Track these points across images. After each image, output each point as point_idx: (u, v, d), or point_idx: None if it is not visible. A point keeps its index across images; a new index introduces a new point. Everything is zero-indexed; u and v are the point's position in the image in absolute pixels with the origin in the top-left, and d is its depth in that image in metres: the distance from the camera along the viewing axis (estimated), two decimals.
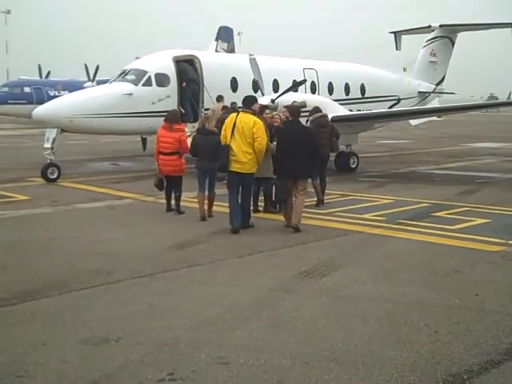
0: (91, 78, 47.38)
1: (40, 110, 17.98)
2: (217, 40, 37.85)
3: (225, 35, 39.53)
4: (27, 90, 48.48)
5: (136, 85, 19.17)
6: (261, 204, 13.17)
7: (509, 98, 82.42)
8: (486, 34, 32.71)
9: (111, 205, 14.14)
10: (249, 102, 11.70)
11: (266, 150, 11.91)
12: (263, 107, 13.82)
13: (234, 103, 18.41)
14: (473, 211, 13.01)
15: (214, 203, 12.72)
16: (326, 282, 8.04)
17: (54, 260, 9.17)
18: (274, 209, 13.07)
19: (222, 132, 11.53)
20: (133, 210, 13.63)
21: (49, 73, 56.66)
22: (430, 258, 9.27)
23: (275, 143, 12.18)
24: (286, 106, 13.31)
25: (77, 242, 10.36)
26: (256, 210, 12.96)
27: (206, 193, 12.61)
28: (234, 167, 11.19)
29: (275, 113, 13.94)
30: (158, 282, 8.06)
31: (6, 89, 48.34)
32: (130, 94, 18.84)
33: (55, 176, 17.74)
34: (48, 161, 17.84)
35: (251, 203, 12.17)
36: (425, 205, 13.90)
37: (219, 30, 39.32)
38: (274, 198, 12.18)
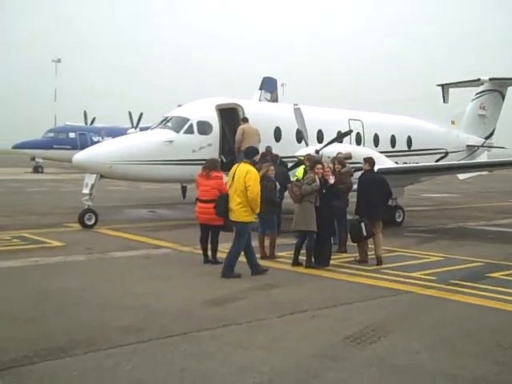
0: (134, 124, 47.79)
1: (80, 156, 17.76)
2: (260, 89, 37.88)
3: (268, 85, 39.65)
4: (72, 135, 49.40)
5: (177, 132, 18.86)
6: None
7: None
8: None
9: (147, 254, 13.63)
10: (249, 153, 12.17)
11: (305, 201, 12.32)
12: (315, 162, 13.29)
13: (268, 147, 18.21)
14: None
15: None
16: (376, 349, 7.27)
17: (82, 313, 8.61)
18: (317, 264, 12.42)
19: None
20: (169, 260, 13.09)
21: (94, 119, 57.55)
22: (491, 326, 8.39)
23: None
24: (365, 158, 13.96)
25: (108, 294, 9.82)
26: (296, 264, 12.48)
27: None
28: (230, 215, 11.61)
29: (326, 165, 13.37)
30: (191, 342, 7.40)
31: (51, 134, 49.28)
32: (171, 142, 18.51)
33: (92, 222, 17.41)
34: (86, 206, 17.54)
35: (241, 253, 11.66)
36: (478, 264, 13.02)
37: (263, 81, 39.48)
38: (365, 233, 12.95)
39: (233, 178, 11.55)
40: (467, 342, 7.62)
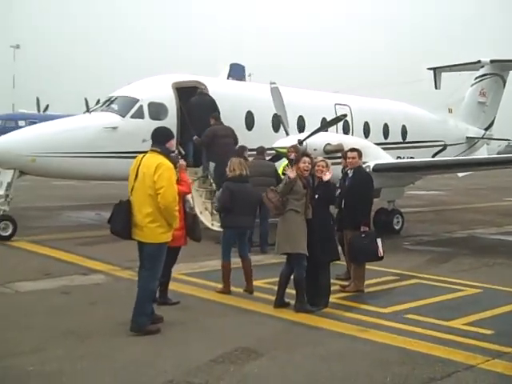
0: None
1: None
2: (229, 72, 34.43)
3: (236, 72, 36.28)
4: (22, 123, 45.15)
5: (123, 116, 14.91)
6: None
7: None
8: None
9: (67, 286, 9.64)
10: (161, 136, 7.69)
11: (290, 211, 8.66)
12: (301, 155, 9.58)
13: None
14: None
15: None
16: None
17: None
18: (312, 307, 8.58)
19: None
20: (96, 296, 9.09)
21: (47, 106, 53.34)
22: None
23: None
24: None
25: None
26: (280, 304, 8.69)
27: None
28: (134, 233, 7.45)
29: (320, 159, 9.53)
30: None
31: None
32: (115, 128, 14.56)
33: (8, 233, 13.41)
34: (0, 212, 13.46)
35: (155, 290, 7.95)
36: None
37: (230, 67, 36.09)
38: (382, 253, 9.93)
39: (136, 175, 7.44)
40: None
